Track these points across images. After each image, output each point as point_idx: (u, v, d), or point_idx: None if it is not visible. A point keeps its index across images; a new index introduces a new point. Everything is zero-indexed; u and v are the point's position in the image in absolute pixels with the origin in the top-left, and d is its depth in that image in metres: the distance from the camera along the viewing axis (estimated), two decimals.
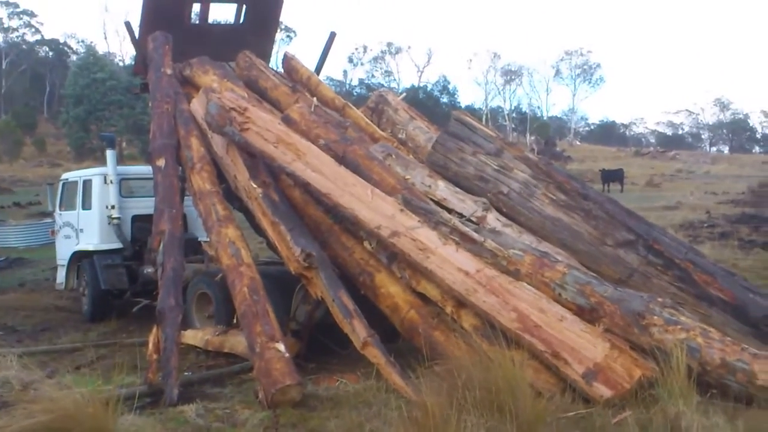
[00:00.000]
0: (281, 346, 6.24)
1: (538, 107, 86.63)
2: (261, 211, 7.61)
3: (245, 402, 6.10)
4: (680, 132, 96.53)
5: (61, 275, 11.85)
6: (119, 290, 10.72)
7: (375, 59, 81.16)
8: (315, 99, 9.29)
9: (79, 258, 11.29)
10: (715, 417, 4.84)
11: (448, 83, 76.11)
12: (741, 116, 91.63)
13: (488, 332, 5.89)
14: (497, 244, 6.62)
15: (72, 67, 57.40)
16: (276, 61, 19.76)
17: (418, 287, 6.78)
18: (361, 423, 5.18)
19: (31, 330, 10.31)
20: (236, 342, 7.62)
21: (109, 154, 11.08)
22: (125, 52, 71.44)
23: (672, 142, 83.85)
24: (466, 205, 7.41)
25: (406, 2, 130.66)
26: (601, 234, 6.97)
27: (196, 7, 11.51)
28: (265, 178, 7.89)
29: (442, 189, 7.62)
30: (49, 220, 16.35)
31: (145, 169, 10.85)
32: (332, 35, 11.59)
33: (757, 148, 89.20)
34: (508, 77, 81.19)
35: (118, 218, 10.78)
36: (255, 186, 7.69)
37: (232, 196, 8.45)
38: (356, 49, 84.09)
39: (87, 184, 11.32)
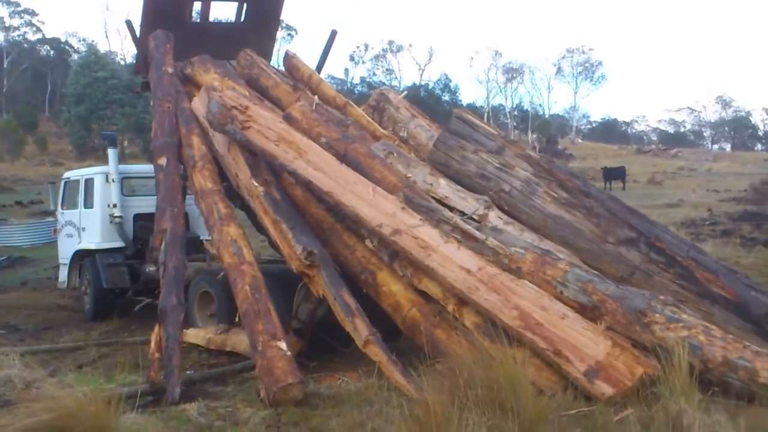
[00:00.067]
0: (283, 345, 6.25)
1: (540, 105, 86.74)
2: (263, 210, 7.61)
3: (247, 400, 6.10)
4: (682, 130, 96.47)
5: (63, 274, 11.87)
6: (121, 289, 10.73)
7: (376, 57, 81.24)
8: (316, 97, 9.28)
9: (81, 257, 11.30)
10: (716, 415, 4.83)
11: (450, 81, 76.18)
12: (743, 114, 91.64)
13: (490, 330, 5.89)
14: (499, 242, 6.62)
15: (73, 66, 57.50)
16: (277, 60, 19.77)
17: (420, 285, 6.78)
18: (362, 421, 5.19)
19: (33, 329, 10.32)
20: (238, 340, 7.62)
21: (111, 152, 11.09)
22: (126, 51, 71.66)
23: (674, 140, 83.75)
24: (468, 203, 7.40)
25: (407, 0, 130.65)
26: (602, 232, 6.97)
27: (197, 6, 11.51)
28: (267, 176, 7.89)
29: (444, 187, 7.61)
30: (51, 219, 16.35)
31: (146, 168, 10.87)
32: (333, 33, 11.59)
33: (759, 146, 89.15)
34: (510, 75, 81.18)
35: (120, 217, 10.80)
36: (256, 184, 7.69)
37: (233, 195, 8.46)
38: (357, 47, 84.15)
39: (89, 182, 11.33)
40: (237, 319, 7.44)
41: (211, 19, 11.90)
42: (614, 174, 35.09)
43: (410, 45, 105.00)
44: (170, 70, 9.83)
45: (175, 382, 6.22)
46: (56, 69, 66.26)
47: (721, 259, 8.37)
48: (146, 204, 10.40)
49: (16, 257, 17.43)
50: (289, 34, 67.66)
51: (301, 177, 7.45)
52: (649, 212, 11.16)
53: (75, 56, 67.76)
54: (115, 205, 10.77)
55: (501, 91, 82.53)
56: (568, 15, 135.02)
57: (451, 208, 7.29)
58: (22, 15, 69.76)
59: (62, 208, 12.12)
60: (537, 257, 6.41)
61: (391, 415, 5.10)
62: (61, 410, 4.68)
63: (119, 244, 10.88)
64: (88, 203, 11.26)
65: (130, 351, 7.86)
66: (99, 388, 5.67)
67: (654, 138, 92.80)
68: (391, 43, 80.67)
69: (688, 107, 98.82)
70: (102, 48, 68.97)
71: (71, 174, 12.36)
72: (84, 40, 73.67)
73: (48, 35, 71.87)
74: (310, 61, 10.99)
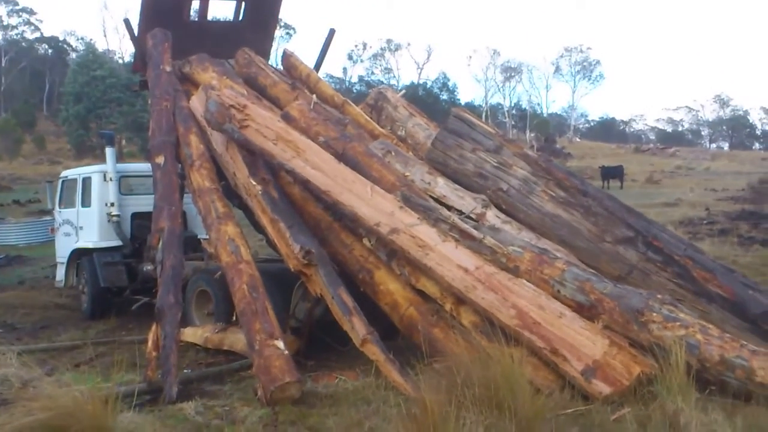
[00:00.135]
0: (280, 344, 6.25)
1: (538, 104, 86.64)
2: (260, 209, 7.61)
3: (244, 399, 6.10)
4: (680, 129, 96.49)
5: (60, 273, 11.85)
6: (119, 288, 10.72)
7: (374, 56, 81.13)
8: (314, 96, 9.28)
9: (78, 255, 11.29)
10: (713, 414, 4.85)
11: (448, 80, 76.02)
12: (741, 113, 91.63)
13: (487, 329, 5.90)
14: (496, 241, 6.62)
15: (71, 64, 57.40)
16: (275, 58, 19.76)
17: (418, 284, 6.78)
18: (360, 420, 5.19)
19: (30, 328, 10.31)
20: (235, 339, 7.62)
21: (109, 151, 11.07)
22: (125, 50, 71.53)
23: (672, 139, 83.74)
24: (466, 202, 7.40)
25: None
26: (600, 231, 6.97)
27: (196, 4, 11.50)
28: (265, 175, 7.89)
29: (442, 186, 7.62)
30: (48, 217, 16.34)
31: (144, 167, 10.86)
32: (331, 32, 11.58)
33: (756, 145, 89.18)
34: (508, 74, 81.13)
35: (118, 216, 10.78)
36: (254, 183, 7.68)
37: (231, 194, 8.45)
38: (356, 46, 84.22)
39: (86, 181, 11.31)
40: (234, 318, 7.44)
41: (209, 17, 11.88)
42: (612, 173, 35.12)
43: (409, 44, 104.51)
44: (168, 68, 9.81)
45: (173, 380, 6.22)
46: (54, 68, 66.09)
47: (718, 258, 8.37)
48: (144, 203, 10.38)
49: (14, 256, 17.39)
50: (287, 33, 67.61)
51: (299, 176, 7.44)
52: (647, 211, 11.16)
53: (73, 55, 67.67)
54: (112, 204, 10.75)
55: (499, 90, 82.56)
56: (567, 14, 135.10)
57: (449, 207, 7.30)
58: (20, 13, 69.66)
59: (60, 207, 12.10)
60: (534, 256, 6.42)
61: (389, 413, 5.10)
62: (58, 409, 4.68)
63: (117, 242, 10.87)
64: (86, 202, 11.24)
65: (128, 350, 7.83)
66: (96, 387, 5.66)
67: (652, 137, 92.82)
68: (389, 41, 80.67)
69: (686, 106, 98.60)
70: (100, 47, 68.84)
71: (69, 173, 12.35)
72: (82, 38, 73.62)
73: (46, 34, 71.73)
74: (308, 59, 10.99)
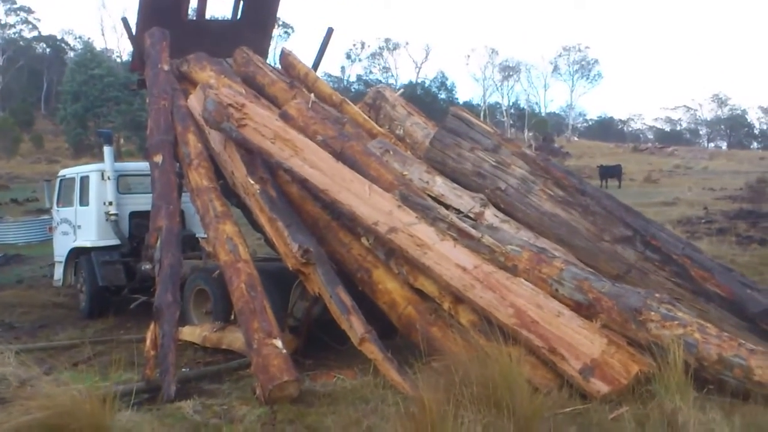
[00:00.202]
0: (279, 343, 6.25)
1: (536, 103, 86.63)
2: (258, 208, 7.61)
3: (243, 398, 6.09)
4: (678, 128, 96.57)
5: (58, 272, 11.84)
6: (117, 287, 10.71)
7: (373, 55, 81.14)
8: (312, 95, 9.27)
9: (76, 254, 11.27)
10: (712, 413, 4.85)
11: (446, 79, 76.15)
12: (739, 112, 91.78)
13: (485, 328, 5.89)
14: (495, 240, 6.62)
15: (69, 63, 57.36)
16: (273, 57, 19.72)
17: (416, 283, 6.78)
18: (358, 419, 5.19)
19: (28, 327, 10.29)
20: (234, 338, 7.62)
21: (107, 150, 11.06)
22: (123, 49, 71.47)
23: (670, 138, 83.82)
24: (464, 201, 7.41)
25: None
26: (598, 230, 6.98)
27: (194, 3, 11.50)
28: (263, 174, 7.88)
29: (440, 185, 7.62)
30: (46, 216, 16.31)
31: (142, 166, 10.84)
32: (330, 31, 11.58)
33: (755, 144, 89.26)
34: (506, 73, 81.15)
35: (116, 215, 10.76)
36: (252, 182, 7.68)
37: (229, 193, 8.44)
38: (354, 45, 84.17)
39: (84, 180, 11.30)
40: (233, 317, 7.44)
41: (207, 16, 11.87)
42: (610, 172, 35.14)
43: (407, 43, 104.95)
44: (166, 67, 9.80)
45: (171, 379, 6.22)
46: (52, 66, 66.02)
47: (716, 257, 8.38)
48: (142, 202, 10.37)
49: (12, 255, 17.36)
50: (285, 32, 67.64)
51: (297, 175, 7.44)
52: (645, 210, 11.17)
53: (71, 54, 67.60)
54: (110, 203, 10.73)
55: (497, 89, 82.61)
56: (565, 13, 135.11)
57: (447, 206, 7.30)
58: (18, 12, 69.63)
59: (58, 206, 12.08)
60: (533, 255, 6.42)
61: (387, 412, 5.09)
62: (56, 408, 4.67)
63: (115, 241, 10.85)
64: (84, 201, 11.23)
65: (126, 349, 7.83)
66: (94, 385, 5.66)
67: (650, 136, 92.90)
68: (387, 40, 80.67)
69: (685, 105, 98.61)
70: (98, 45, 68.74)
71: (67, 172, 12.33)
72: (80, 37, 73.49)
73: (44, 33, 71.73)
74: (306, 58, 11.00)
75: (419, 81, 75.87)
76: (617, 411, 5.04)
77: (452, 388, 4.83)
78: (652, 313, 5.71)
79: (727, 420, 4.73)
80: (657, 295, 5.96)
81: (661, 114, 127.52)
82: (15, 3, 69.05)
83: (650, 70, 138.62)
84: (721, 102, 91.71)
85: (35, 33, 70.78)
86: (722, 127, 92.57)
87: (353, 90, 68.23)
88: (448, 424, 4.33)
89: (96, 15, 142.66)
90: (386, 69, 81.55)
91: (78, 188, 11.39)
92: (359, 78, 78.81)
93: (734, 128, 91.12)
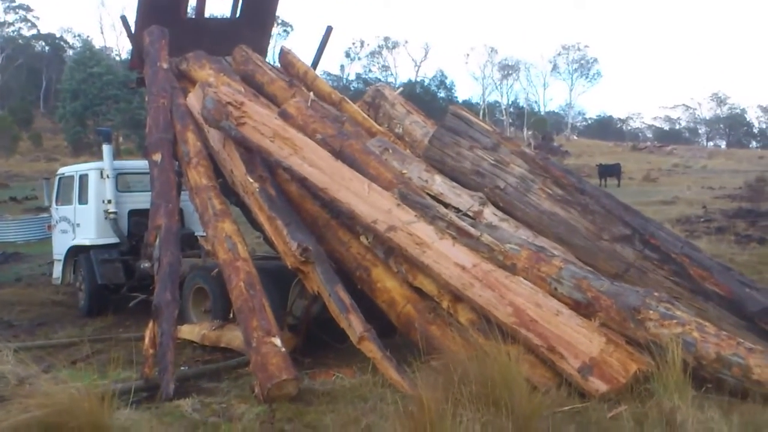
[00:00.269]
0: (278, 341, 6.24)
1: (536, 102, 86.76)
2: (258, 206, 7.60)
3: (241, 396, 6.09)
4: (677, 127, 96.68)
5: (57, 270, 11.83)
6: (116, 285, 10.70)
7: (372, 54, 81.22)
8: (312, 94, 9.27)
9: (75, 253, 11.26)
10: (710, 411, 4.85)
11: (446, 78, 76.32)
12: (738, 111, 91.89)
13: (484, 327, 5.90)
14: (494, 239, 6.62)
15: (68, 61, 57.34)
16: (273, 56, 19.71)
17: (415, 282, 6.78)
18: (357, 417, 5.19)
19: (27, 325, 10.28)
20: (233, 337, 7.61)
21: (106, 148, 11.05)
22: (122, 47, 71.49)
23: (669, 137, 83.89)
24: (463, 199, 7.41)
25: None
26: (597, 229, 6.98)
27: (193, 1, 11.50)
28: (262, 172, 7.88)
29: (439, 184, 7.62)
30: (45, 215, 16.29)
31: (141, 164, 10.82)
32: (329, 29, 11.57)
33: (754, 143, 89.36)
34: (506, 72, 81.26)
35: (115, 213, 10.75)
36: (252, 181, 7.68)
37: (228, 191, 8.44)
38: (353, 43, 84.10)
39: (83, 178, 11.28)
40: (232, 316, 7.43)
41: (206, 14, 11.86)
42: (609, 171, 35.17)
43: (406, 41, 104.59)
44: (165, 65, 9.80)
45: (170, 378, 6.22)
46: (51, 65, 66.01)
47: (715, 256, 8.38)
48: (141, 200, 10.36)
49: (11, 253, 17.35)
50: (284, 30, 67.71)
51: (297, 173, 7.44)
52: (644, 209, 11.18)
53: (70, 52, 67.60)
54: (109, 201, 10.72)
55: (497, 88, 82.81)
56: (564, 12, 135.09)
57: (446, 205, 7.30)
58: (17, 10, 69.64)
59: (57, 204, 12.07)
60: (532, 254, 6.42)
61: (386, 411, 5.09)
62: (54, 406, 4.67)
63: (114, 240, 10.84)
64: (83, 199, 11.22)
65: (125, 347, 7.83)
66: (93, 384, 5.64)
67: (649, 135, 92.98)
68: (386, 39, 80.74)
69: (684, 104, 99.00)
70: (97, 44, 68.83)
71: (66, 170, 12.31)
72: (79, 35, 73.57)
73: (43, 31, 71.78)
74: (305, 57, 10.98)
75: (418, 79, 75.99)
76: (616, 410, 5.04)
77: (451, 386, 4.83)
78: (651, 311, 5.71)
79: (725, 419, 4.73)
80: (656, 293, 5.96)
81: (660, 113, 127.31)
82: (14, 1, 69.10)
83: (649, 69, 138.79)
84: (720, 101, 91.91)
85: (34, 31, 70.86)
86: (721, 126, 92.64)
87: (352, 88, 68.25)
88: (446, 422, 4.33)
89: (95, 13, 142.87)
90: (385, 67, 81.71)
91: (77, 186, 11.38)
92: (358, 76, 78.98)
93: (733, 127, 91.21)
